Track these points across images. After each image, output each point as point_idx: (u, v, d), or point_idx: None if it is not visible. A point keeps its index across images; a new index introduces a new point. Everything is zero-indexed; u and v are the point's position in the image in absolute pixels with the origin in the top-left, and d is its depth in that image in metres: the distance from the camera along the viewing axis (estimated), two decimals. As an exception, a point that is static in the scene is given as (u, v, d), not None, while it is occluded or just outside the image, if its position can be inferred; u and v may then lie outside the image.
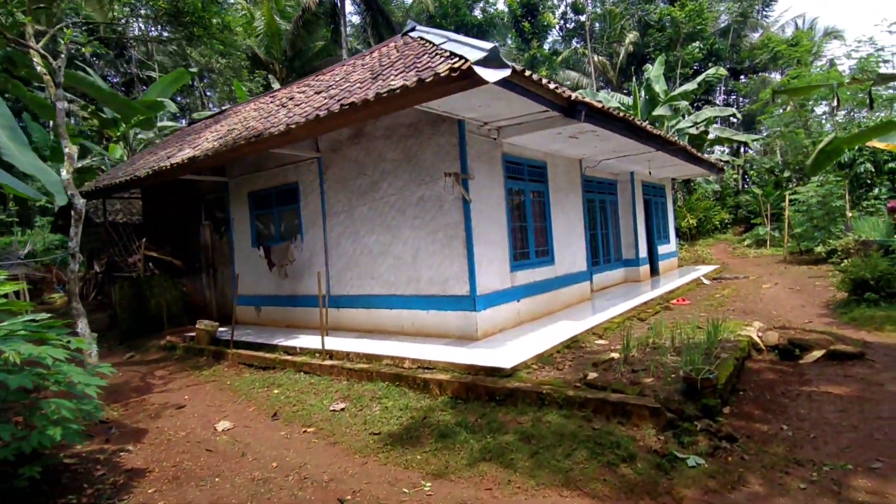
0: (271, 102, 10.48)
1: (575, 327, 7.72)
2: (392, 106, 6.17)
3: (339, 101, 6.74)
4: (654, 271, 15.06)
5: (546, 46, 39.15)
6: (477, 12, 33.79)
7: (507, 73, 5.26)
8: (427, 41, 7.15)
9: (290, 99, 9.53)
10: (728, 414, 4.63)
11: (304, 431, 5.10)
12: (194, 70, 21.37)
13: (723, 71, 21.24)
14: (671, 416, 4.16)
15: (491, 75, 5.20)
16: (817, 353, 6.04)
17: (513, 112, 6.97)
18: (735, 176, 32.60)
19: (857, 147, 14.60)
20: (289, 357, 7.46)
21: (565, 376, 5.50)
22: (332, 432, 4.97)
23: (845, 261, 11.69)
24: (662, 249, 15.70)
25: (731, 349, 5.94)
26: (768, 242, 21.02)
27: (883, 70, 19.43)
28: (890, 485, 3.33)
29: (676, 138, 23.33)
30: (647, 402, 4.27)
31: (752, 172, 31.27)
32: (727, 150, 35.68)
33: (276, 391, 6.44)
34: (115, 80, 32.29)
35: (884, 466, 3.53)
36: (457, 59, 5.54)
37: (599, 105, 6.95)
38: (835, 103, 6.47)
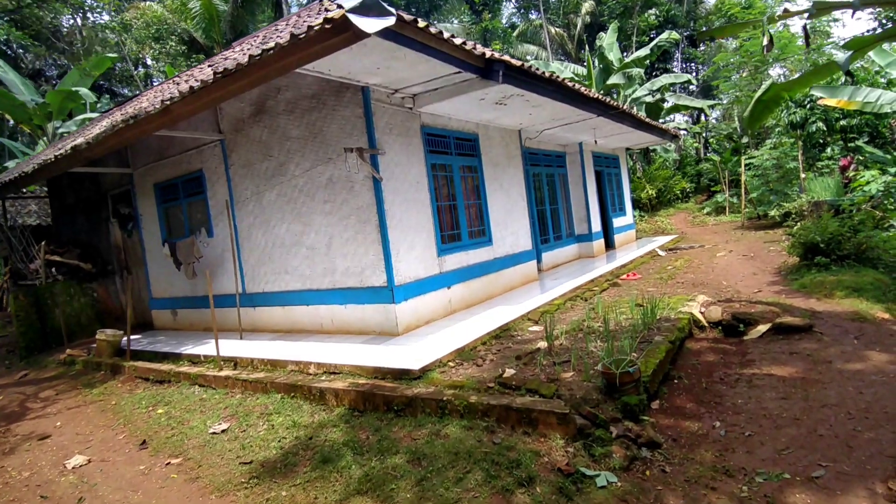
0: (182, 82, 9.37)
1: (510, 313, 7.03)
2: (271, 70, 5.24)
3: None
4: (610, 245, 14.54)
5: (503, 21, 38.15)
6: (427, -14, 32.51)
7: (390, 21, 4.39)
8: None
9: (192, 76, 8.47)
10: (657, 410, 3.99)
11: (168, 464, 4.27)
12: (114, 56, 19.72)
13: (675, 35, 20.66)
14: (582, 423, 3.47)
15: (371, 25, 4.33)
16: (762, 328, 5.47)
17: (421, 75, 6.13)
18: (696, 144, 32.49)
19: (808, 106, 14.21)
20: (184, 369, 6.57)
21: (482, 374, 4.79)
22: (199, 463, 4.16)
23: (798, 224, 11.32)
24: (618, 222, 15.17)
25: (668, 330, 5.32)
26: (727, 209, 20.78)
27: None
28: (832, 500, 2.71)
29: (626, 106, 22.81)
30: (554, 406, 3.58)
31: (711, 140, 31.15)
32: (688, 119, 35.55)
33: (160, 411, 5.58)
34: (50, 73, 30.17)
35: (826, 475, 2.91)
36: (335, 9, 4.65)
37: (519, 63, 6.15)
38: (765, 41, 5.78)
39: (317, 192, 6.99)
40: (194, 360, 7.08)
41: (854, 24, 40.11)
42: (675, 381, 4.56)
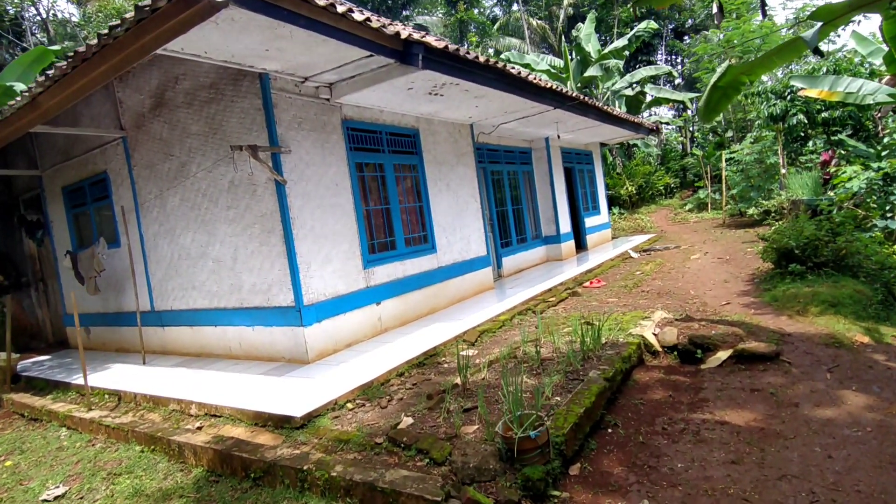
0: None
1: (446, 332, 6.17)
2: (132, 52, 4.33)
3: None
4: (582, 246, 13.72)
5: (486, 14, 37.17)
6: (402, -24, 31.47)
7: (247, -13, 3.50)
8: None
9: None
10: (575, 478, 3.13)
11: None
12: (56, 48, 18.52)
13: (654, 25, 19.83)
14: (460, 514, 2.61)
15: (222, -8, 3.43)
16: (722, 355, 4.63)
17: (327, 60, 5.22)
18: (681, 139, 31.80)
19: (788, 98, 13.44)
20: (56, 406, 5.65)
21: (381, 421, 3.92)
22: (-3, 551, 3.25)
23: (777, 223, 10.53)
24: (591, 222, 14.35)
25: (608, 361, 4.46)
26: (709, 206, 20.06)
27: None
28: None
29: (604, 99, 21.94)
30: (427, 489, 2.70)
31: (697, 134, 30.44)
32: (674, 112, 34.81)
33: (8, 463, 4.65)
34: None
35: None
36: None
37: (442, 45, 5.25)
38: (714, 9, 4.90)
39: (220, 196, 6.07)
40: (81, 391, 6.14)
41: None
42: (609, 430, 3.71)
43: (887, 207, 8.70)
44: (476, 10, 37.39)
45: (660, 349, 5.01)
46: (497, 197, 10.63)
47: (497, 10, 40.44)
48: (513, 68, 6.75)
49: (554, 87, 7.87)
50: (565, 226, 12.44)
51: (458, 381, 4.50)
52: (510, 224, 10.92)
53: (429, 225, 7.74)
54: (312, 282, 5.64)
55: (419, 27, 32.38)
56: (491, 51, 28.19)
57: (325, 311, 5.74)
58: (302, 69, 5.46)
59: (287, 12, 4.04)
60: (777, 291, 6.24)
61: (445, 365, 5.28)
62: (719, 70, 4.19)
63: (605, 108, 10.45)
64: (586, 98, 9.18)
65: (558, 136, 11.40)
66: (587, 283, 9.03)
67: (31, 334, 9.57)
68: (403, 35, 5.04)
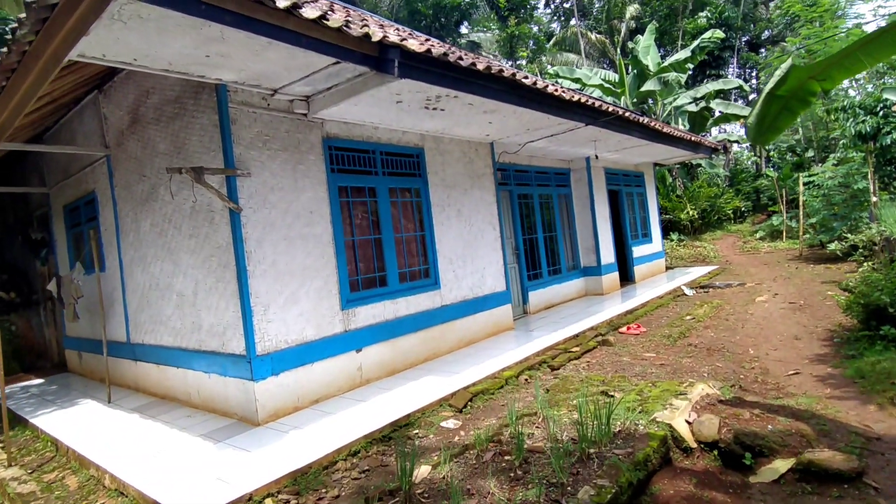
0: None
1: (430, 392, 5.14)
2: (48, 61, 3.71)
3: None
4: (629, 278, 12.24)
5: (536, 27, 36.22)
6: (455, -8, 31.09)
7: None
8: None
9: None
10: None
11: None
12: None
13: (720, 34, 18.02)
14: None
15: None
16: (781, 466, 3.30)
17: (284, 67, 4.40)
18: (754, 157, 29.13)
19: (881, 113, 11.43)
20: (-16, 455, 5.08)
21: (293, 534, 2.94)
22: None
23: (866, 263, 8.71)
24: (640, 251, 12.83)
25: (617, 464, 3.25)
26: (784, 234, 17.82)
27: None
28: None
29: (662, 116, 20.15)
30: None
31: (773, 153, 27.78)
32: (744, 128, 32.05)
33: None
34: None
35: None
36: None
37: (423, 49, 4.31)
38: None
39: (183, 222, 5.39)
40: (36, 432, 5.60)
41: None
42: (596, 590, 2.52)
43: None
44: (535, 28, 36.55)
45: (694, 445, 3.72)
46: (526, 223, 9.51)
47: (555, 26, 39.33)
48: (530, 80, 5.70)
49: (584, 100, 6.72)
50: (607, 256, 11.06)
51: (424, 470, 3.45)
52: (541, 254, 9.74)
53: (432, 257, 6.76)
54: (270, 327, 4.79)
55: (473, 45, 31.91)
56: (548, 68, 27.09)
57: (285, 362, 4.87)
58: (265, 80, 4.69)
59: (206, 6, 3.25)
60: (863, 363, 4.73)
61: (416, 441, 4.24)
62: (778, 73, 2.99)
63: (654, 124, 9.11)
64: (627, 112, 7.93)
65: (596, 157, 10.13)
66: (624, 329, 7.69)
67: (38, 353, 9.40)
68: (376, 37, 4.14)
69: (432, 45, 4.46)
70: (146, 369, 6.36)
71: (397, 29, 4.65)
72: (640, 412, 4.05)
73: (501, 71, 5.18)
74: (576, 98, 6.55)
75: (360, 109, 5.39)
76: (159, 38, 3.60)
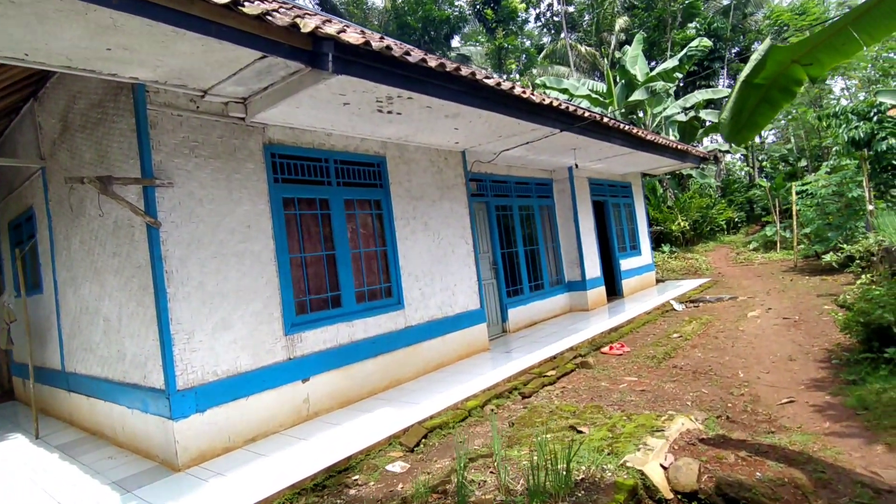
0: None
1: (380, 427, 4.57)
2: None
3: None
4: (616, 292, 11.71)
5: (528, 41, 36.18)
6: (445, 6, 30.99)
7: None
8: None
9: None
10: None
11: None
12: None
13: (707, 42, 17.72)
14: None
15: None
16: (773, 526, 2.75)
17: (203, 62, 3.90)
18: (746, 168, 28.85)
19: (875, 118, 11.03)
20: None
21: None
22: None
23: (864, 275, 8.22)
24: (629, 264, 12.33)
25: (572, 529, 2.69)
26: (778, 245, 17.36)
27: None
28: None
29: (651, 126, 19.78)
30: None
31: (765, 163, 27.50)
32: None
33: None
34: None
35: None
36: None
37: (360, 41, 3.81)
38: None
39: (108, 239, 4.85)
40: (-59, 476, 4.99)
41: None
42: None
43: None
44: (528, 42, 36.46)
45: (670, 496, 3.16)
46: (505, 236, 9.00)
47: (546, 39, 39.29)
48: (493, 80, 5.22)
49: (556, 103, 6.25)
50: (592, 270, 10.54)
51: (332, 541, 2.88)
52: (521, 269, 9.22)
53: (395, 274, 6.23)
54: (195, 357, 4.23)
55: (463, 58, 31.74)
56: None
57: (213, 396, 4.30)
58: (190, 78, 4.20)
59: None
60: (867, 391, 4.19)
61: (353, 490, 3.66)
62: (755, 56, 2.50)
63: (636, 131, 8.66)
64: (605, 118, 7.47)
65: (576, 166, 9.66)
66: (606, 348, 7.14)
67: (-15, 380, 8.78)
68: (306, 28, 3.66)
69: (372, 38, 3.97)
70: (78, 401, 5.77)
71: (346, 25, 4.19)
72: (609, 454, 3.49)
73: (459, 69, 4.71)
74: (546, 101, 6.09)
75: (304, 112, 4.89)
76: (43, 27, 3.11)
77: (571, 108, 6.55)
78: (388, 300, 6.11)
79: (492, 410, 5.06)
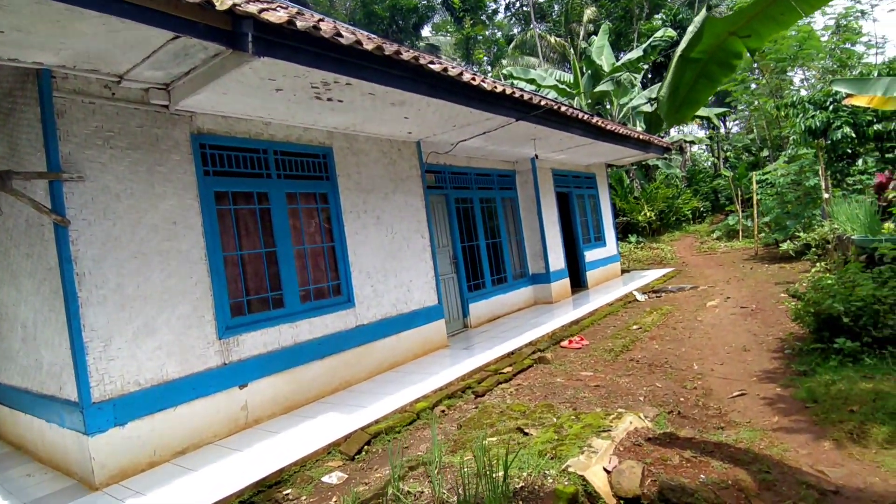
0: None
1: (327, 432, 4.32)
2: None
3: None
4: (581, 284, 11.65)
5: (499, 32, 35.95)
6: (410, -6, 30.45)
7: None
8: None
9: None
10: None
11: None
12: None
13: (671, 32, 17.79)
14: None
15: None
16: (714, 532, 2.62)
17: (110, 43, 3.54)
18: (711, 158, 29.33)
19: (831, 107, 11.18)
20: None
21: None
22: None
23: (819, 264, 8.30)
24: (594, 255, 12.29)
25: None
26: (740, 233, 17.64)
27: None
28: None
29: (618, 117, 19.85)
30: None
31: (730, 153, 27.98)
32: (702, 130, 32.29)
33: None
34: None
35: None
36: None
37: (283, 20, 3.51)
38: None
39: (21, 239, 4.45)
40: None
41: (888, 18, 36.44)
42: None
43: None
44: (498, 33, 36.20)
45: (612, 502, 3.01)
46: (466, 229, 8.79)
47: (516, 30, 39.14)
48: (439, 66, 4.97)
49: (509, 91, 6.04)
50: (556, 262, 10.44)
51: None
52: (483, 262, 9.04)
53: (344, 271, 5.96)
54: (113, 365, 3.90)
55: (432, 48, 31.33)
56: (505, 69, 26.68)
57: (135, 408, 3.98)
58: (101, 62, 3.83)
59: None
60: (816, 383, 4.13)
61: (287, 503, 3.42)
62: (691, 29, 2.32)
63: (596, 121, 8.54)
64: (563, 107, 7.30)
65: (536, 156, 9.51)
66: (566, 342, 7.02)
67: None
68: (223, 5, 3.34)
69: (297, 17, 3.67)
70: (2, 413, 5.35)
71: (279, 5, 3.87)
72: (552, 458, 3.32)
73: (399, 53, 4.44)
74: (499, 89, 5.87)
75: (234, 99, 4.56)
76: None
77: (526, 97, 6.35)
78: (336, 298, 5.84)
79: (442, 412, 4.86)
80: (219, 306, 4.62)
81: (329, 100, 4.92)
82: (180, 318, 4.36)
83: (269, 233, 5.25)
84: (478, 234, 9.06)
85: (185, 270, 4.44)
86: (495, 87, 5.79)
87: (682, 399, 4.54)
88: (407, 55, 4.53)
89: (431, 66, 4.83)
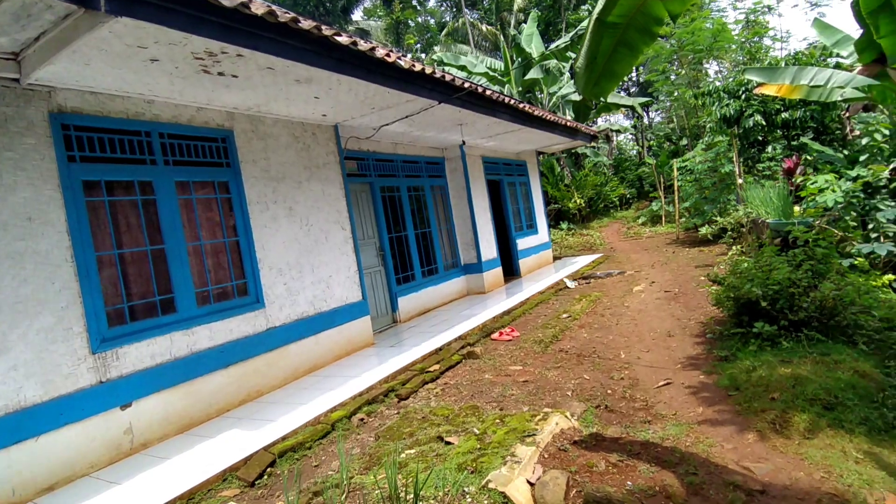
0: None
1: (225, 454, 3.80)
2: None
3: None
4: (514, 272, 11.56)
5: (432, 19, 35.40)
6: (338, -23, 29.24)
7: None
8: None
9: None
10: None
11: None
12: None
13: (597, 21, 18.02)
14: None
15: None
16: (643, 547, 2.40)
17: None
18: (636, 147, 30.40)
19: (743, 96, 11.67)
20: None
21: None
22: None
23: (735, 247, 8.59)
24: (526, 243, 12.23)
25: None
26: (663, 219, 18.34)
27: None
28: None
29: (549, 105, 20.05)
30: None
31: (653, 142, 29.11)
32: (628, 119, 33.44)
33: None
34: None
35: None
36: None
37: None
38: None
39: None
40: None
41: (792, 13, 39.35)
42: None
43: (871, 226, 6.80)
44: (431, 19, 35.57)
45: (534, 517, 2.75)
46: (393, 219, 8.36)
47: (448, 17, 38.71)
48: (347, 39, 4.48)
49: (429, 71, 5.65)
50: (489, 251, 10.25)
51: None
52: (412, 253, 8.66)
53: (251, 269, 5.37)
54: (-55, 395, 3.19)
55: (363, 32, 30.26)
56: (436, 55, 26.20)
57: (-21, 443, 3.29)
58: None
59: None
60: (738, 369, 4.10)
61: (164, 547, 2.89)
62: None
63: (522, 106, 8.33)
64: (488, 91, 7.01)
65: (463, 143, 9.22)
66: (497, 334, 6.80)
67: None
68: (63, -49, 2.70)
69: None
70: None
71: None
72: (472, 472, 3.02)
73: (297, 21, 3.92)
74: (418, 68, 5.46)
75: (100, 72, 3.87)
76: None
77: (448, 78, 5.99)
78: (243, 299, 5.26)
79: (361, 420, 4.46)
80: (91, 315, 3.95)
81: (221, 74, 4.32)
82: (40, 332, 3.66)
83: (155, 227, 4.58)
84: (406, 223, 8.66)
85: (46, 275, 3.73)
86: (413, 66, 5.37)
87: (609, 391, 4.40)
88: (307, 24, 4.01)
89: (337, 37, 4.33)
